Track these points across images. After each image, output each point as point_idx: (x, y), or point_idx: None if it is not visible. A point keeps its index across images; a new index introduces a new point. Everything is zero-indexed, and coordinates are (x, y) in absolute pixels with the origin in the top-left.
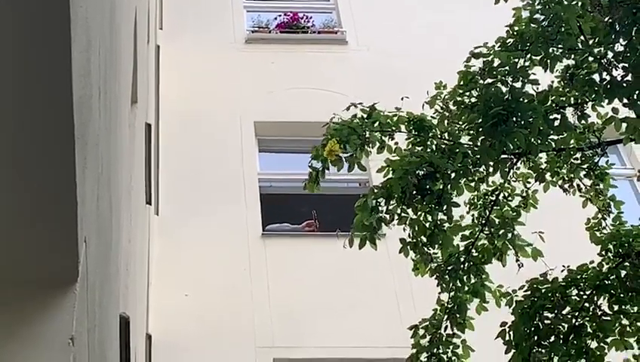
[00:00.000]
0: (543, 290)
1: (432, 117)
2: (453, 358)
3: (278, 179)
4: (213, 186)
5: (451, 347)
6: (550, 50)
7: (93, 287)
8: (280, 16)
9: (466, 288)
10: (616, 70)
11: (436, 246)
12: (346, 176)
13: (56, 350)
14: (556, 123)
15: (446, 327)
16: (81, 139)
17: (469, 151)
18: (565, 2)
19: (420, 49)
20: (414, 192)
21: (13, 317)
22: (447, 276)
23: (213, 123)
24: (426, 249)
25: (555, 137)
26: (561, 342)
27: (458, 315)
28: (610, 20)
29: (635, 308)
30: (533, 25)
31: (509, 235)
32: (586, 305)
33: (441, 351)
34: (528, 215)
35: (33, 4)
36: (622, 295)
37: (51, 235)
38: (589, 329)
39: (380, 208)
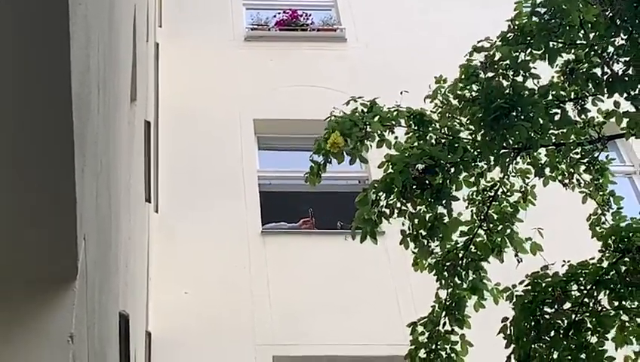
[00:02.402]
0: (544, 285)
1: (432, 112)
2: (452, 354)
3: (277, 176)
4: (213, 184)
5: (450, 343)
6: (551, 44)
7: (93, 285)
8: (279, 13)
9: (465, 285)
10: (617, 64)
11: (436, 239)
12: (346, 174)
13: (56, 347)
14: (557, 117)
15: (444, 324)
16: (80, 136)
17: (469, 146)
18: None
19: (418, 46)
20: (414, 186)
21: (13, 315)
22: (445, 272)
23: (212, 120)
24: (425, 241)
25: (556, 132)
26: (561, 336)
27: (457, 312)
28: (611, 14)
29: (635, 304)
30: (535, 18)
31: (508, 231)
32: (586, 300)
33: (439, 347)
34: (528, 210)
35: (32, 2)
36: (622, 290)
37: (50, 233)
38: (589, 325)
39: (380, 202)
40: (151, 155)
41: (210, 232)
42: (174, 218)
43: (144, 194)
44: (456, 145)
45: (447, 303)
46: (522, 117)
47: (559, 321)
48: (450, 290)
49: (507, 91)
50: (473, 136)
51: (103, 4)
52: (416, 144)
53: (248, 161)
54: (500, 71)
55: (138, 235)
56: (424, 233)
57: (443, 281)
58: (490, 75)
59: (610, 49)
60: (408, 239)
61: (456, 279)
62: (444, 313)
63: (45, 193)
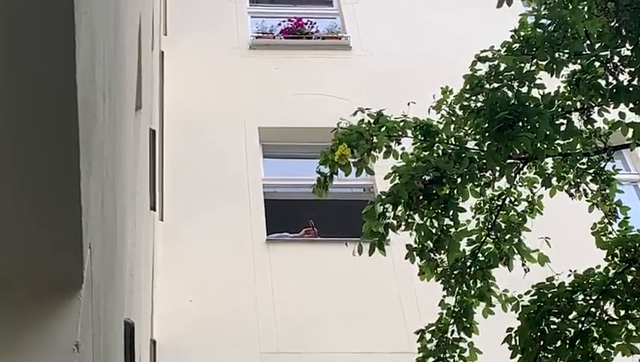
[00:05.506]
0: (549, 295)
1: (438, 122)
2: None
3: (282, 184)
4: (218, 192)
5: (458, 351)
6: (556, 55)
7: (98, 293)
8: (284, 21)
9: (473, 292)
10: (623, 75)
11: (442, 251)
12: (351, 182)
13: (61, 356)
14: (562, 128)
15: (453, 331)
16: (86, 144)
17: (475, 156)
18: (571, 6)
19: (423, 54)
20: (421, 197)
21: (18, 324)
22: (453, 280)
23: (217, 128)
24: (432, 254)
25: (562, 142)
26: (567, 346)
27: (465, 319)
28: (617, 24)
29: None
30: (539, 30)
31: (515, 240)
32: (592, 310)
33: (447, 355)
34: (535, 220)
35: (38, 11)
36: (628, 300)
37: (56, 241)
38: (595, 334)
39: (387, 214)
40: (156, 163)
41: (215, 240)
42: (179, 226)
43: (149, 202)
44: (463, 155)
45: (456, 310)
46: (528, 127)
47: (565, 331)
48: (458, 298)
49: (512, 102)
50: (479, 146)
51: (109, 13)
52: (422, 155)
53: (253, 168)
54: (505, 81)
55: (143, 243)
56: (430, 245)
57: (450, 289)
58: (495, 85)
59: (616, 59)
60: (414, 253)
61: (464, 287)
62: (452, 320)
63: (51, 201)
